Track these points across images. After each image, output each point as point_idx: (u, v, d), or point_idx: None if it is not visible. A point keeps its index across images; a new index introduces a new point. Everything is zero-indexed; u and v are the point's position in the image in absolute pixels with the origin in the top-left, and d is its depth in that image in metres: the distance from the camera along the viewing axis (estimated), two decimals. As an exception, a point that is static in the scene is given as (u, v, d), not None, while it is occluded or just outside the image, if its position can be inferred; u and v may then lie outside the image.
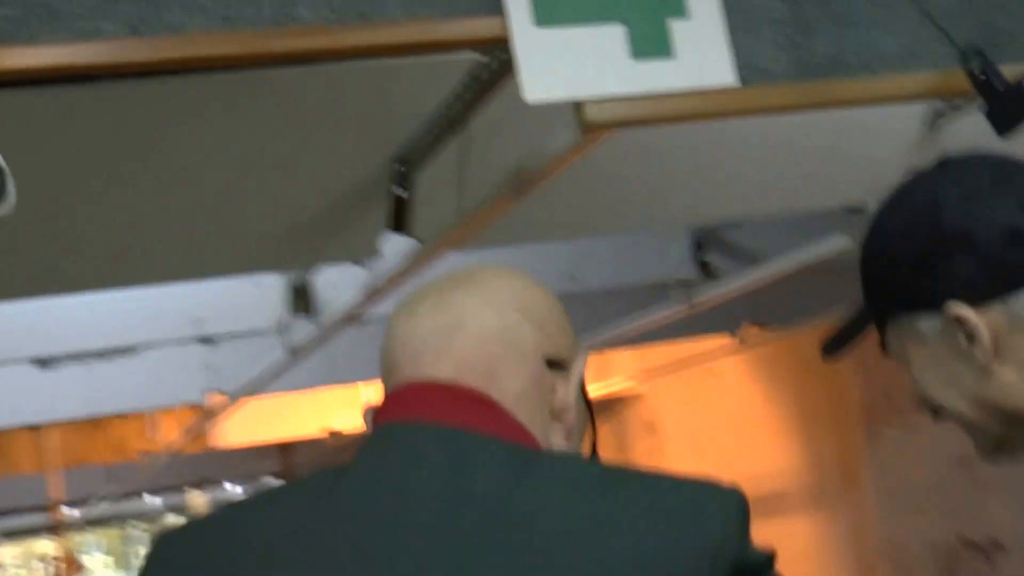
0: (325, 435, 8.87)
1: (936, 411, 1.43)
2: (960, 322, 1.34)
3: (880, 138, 2.75)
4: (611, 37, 1.87)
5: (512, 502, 1.14)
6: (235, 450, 10.46)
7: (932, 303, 1.36)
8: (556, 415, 1.28)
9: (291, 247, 2.85)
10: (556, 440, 1.27)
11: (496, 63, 1.98)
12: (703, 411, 7.88)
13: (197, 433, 7.58)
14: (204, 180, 2.54)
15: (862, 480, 6.59)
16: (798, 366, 6.82)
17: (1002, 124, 1.94)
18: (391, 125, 2.41)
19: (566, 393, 1.29)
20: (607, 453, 1.30)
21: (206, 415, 6.31)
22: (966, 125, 2.59)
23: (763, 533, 1.19)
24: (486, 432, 1.20)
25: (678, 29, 1.89)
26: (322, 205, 2.66)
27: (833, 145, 2.88)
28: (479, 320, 1.26)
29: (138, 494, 13.27)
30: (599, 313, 4.81)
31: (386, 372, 1.30)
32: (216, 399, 5.21)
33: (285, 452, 12.52)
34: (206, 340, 4.34)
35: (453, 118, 2.29)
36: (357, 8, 1.80)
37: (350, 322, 3.65)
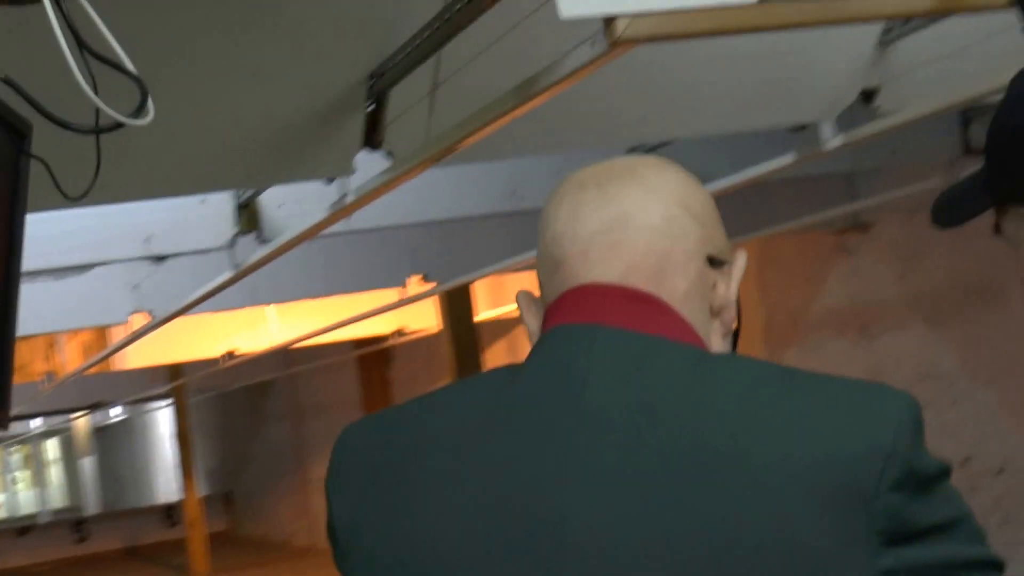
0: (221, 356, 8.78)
1: None
2: None
3: (833, 57, 2.82)
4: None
5: (698, 403, 1.14)
6: (126, 372, 10.30)
7: None
8: (716, 313, 1.27)
9: (262, 164, 2.87)
10: (715, 339, 1.27)
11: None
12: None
13: (106, 356, 7.47)
14: (173, 93, 2.53)
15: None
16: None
17: None
18: (370, 41, 2.44)
19: (727, 290, 1.28)
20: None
21: (104, 337, 6.16)
22: (918, 43, 2.68)
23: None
24: (661, 334, 1.20)
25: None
26: (296, 121, 2.69)
27: (784, 64, 2.94)
28: (646, 215, 1.24)
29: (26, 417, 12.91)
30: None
31: (551, 266, 1.27)
32: (138, 318, 5.17)
33: (174, 373, 12.41)
34: (157, 259, 4.35)
35: (432, 37, 2.32)
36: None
37: (303, 240, 3.67)
